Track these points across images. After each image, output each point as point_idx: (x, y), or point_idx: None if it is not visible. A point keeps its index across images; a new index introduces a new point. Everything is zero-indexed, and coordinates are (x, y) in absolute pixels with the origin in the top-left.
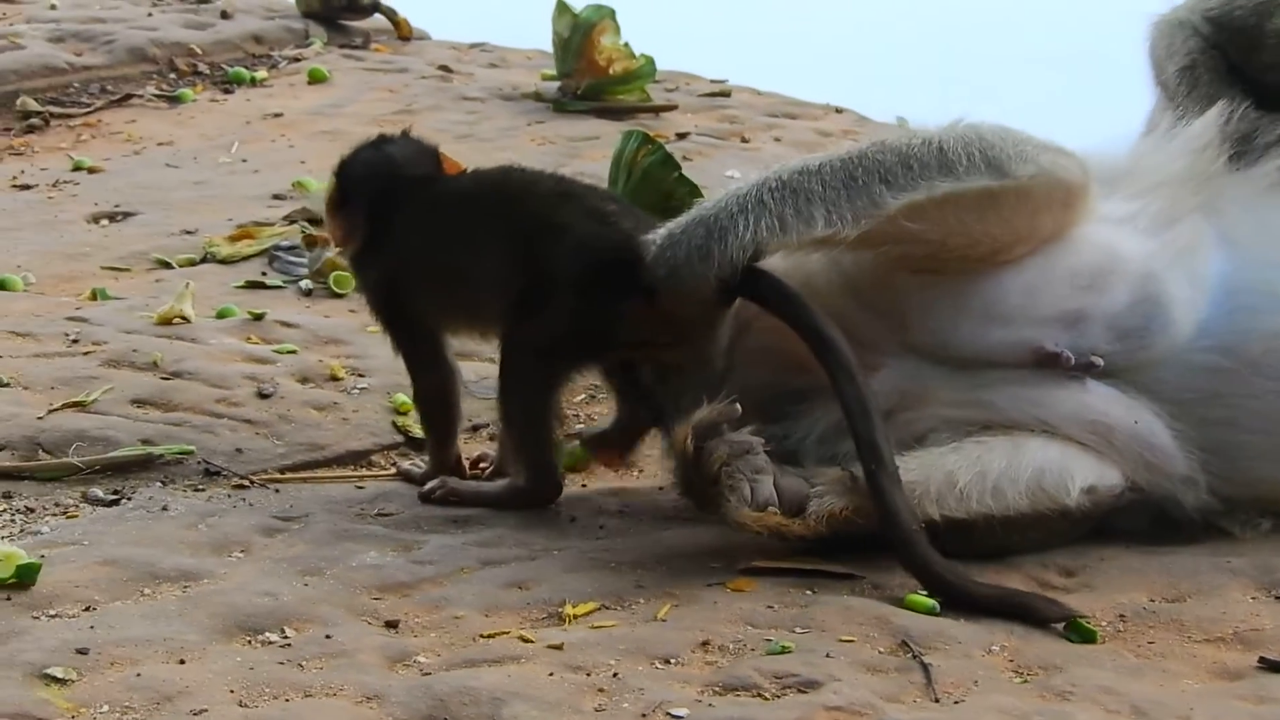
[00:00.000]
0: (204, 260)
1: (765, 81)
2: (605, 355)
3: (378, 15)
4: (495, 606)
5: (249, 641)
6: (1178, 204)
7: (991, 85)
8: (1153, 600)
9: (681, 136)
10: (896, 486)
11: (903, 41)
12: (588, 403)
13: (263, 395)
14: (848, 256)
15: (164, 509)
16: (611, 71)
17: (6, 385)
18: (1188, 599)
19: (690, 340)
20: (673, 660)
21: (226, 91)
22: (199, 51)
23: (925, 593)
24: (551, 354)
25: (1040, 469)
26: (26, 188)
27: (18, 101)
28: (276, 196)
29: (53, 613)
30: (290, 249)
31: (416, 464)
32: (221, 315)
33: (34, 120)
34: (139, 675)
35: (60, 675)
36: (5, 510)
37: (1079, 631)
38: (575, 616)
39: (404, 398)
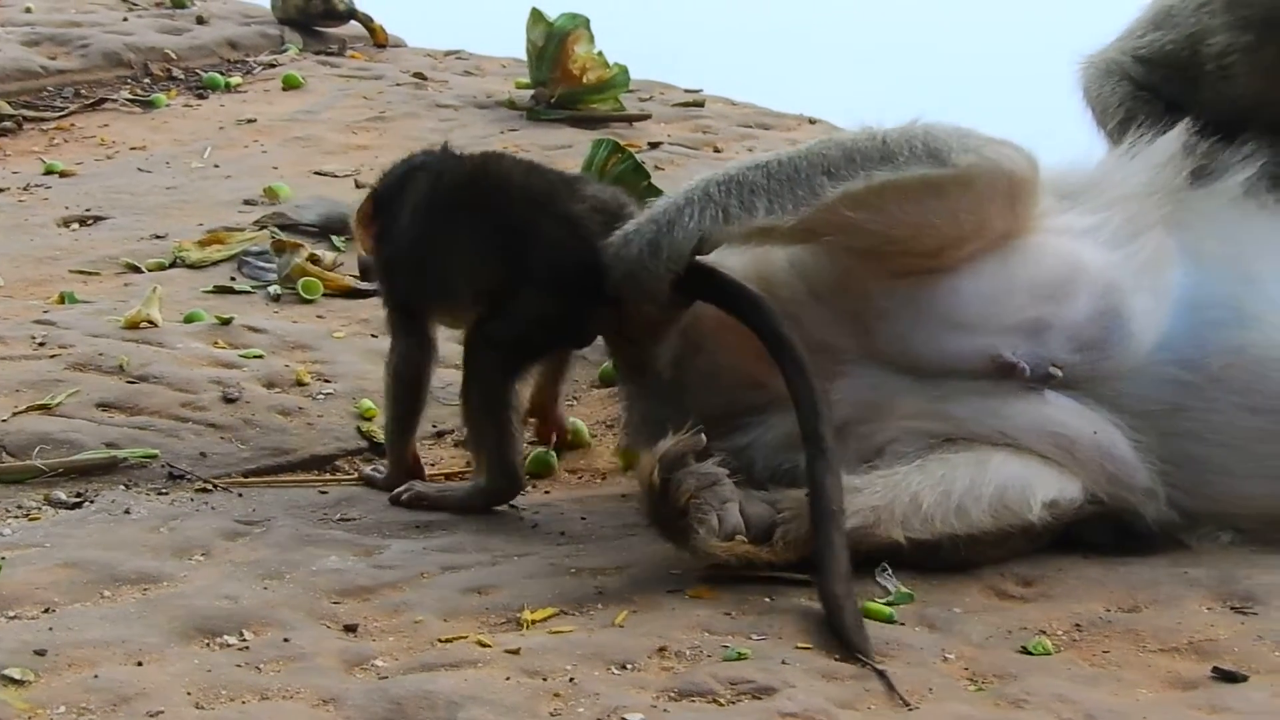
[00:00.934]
0: (173, 265)
1: (740, 92)
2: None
3: (354, 22)
4: (454, 611)
5: (208, 644)
6: (1141, 217)
7: (969, 95)
8: (1109, 610)
9: (654, 146)
10: (833, 476)
11: (878, 53)
12: None
13: (228, 400)
14: (810, 260)
15: (126, 512)
16: (585, 80)
17: None
18: (1144, 609)
19: (653, 342)
20: (629, 666)
21: (200, 97)
22: (174, 57)
23: (882, 601)
24: (514, 350)
25: (1003, 486)
26: None
27: None
28: (248, 202)
29: (12, 614)
30: (259, 254)
31: (378, 469)
32: (189, 320)
33: (6, 123)
34: (97, 677)
35: (18, 676)
36: None
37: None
38: (533, 622)
39: (369, 403)
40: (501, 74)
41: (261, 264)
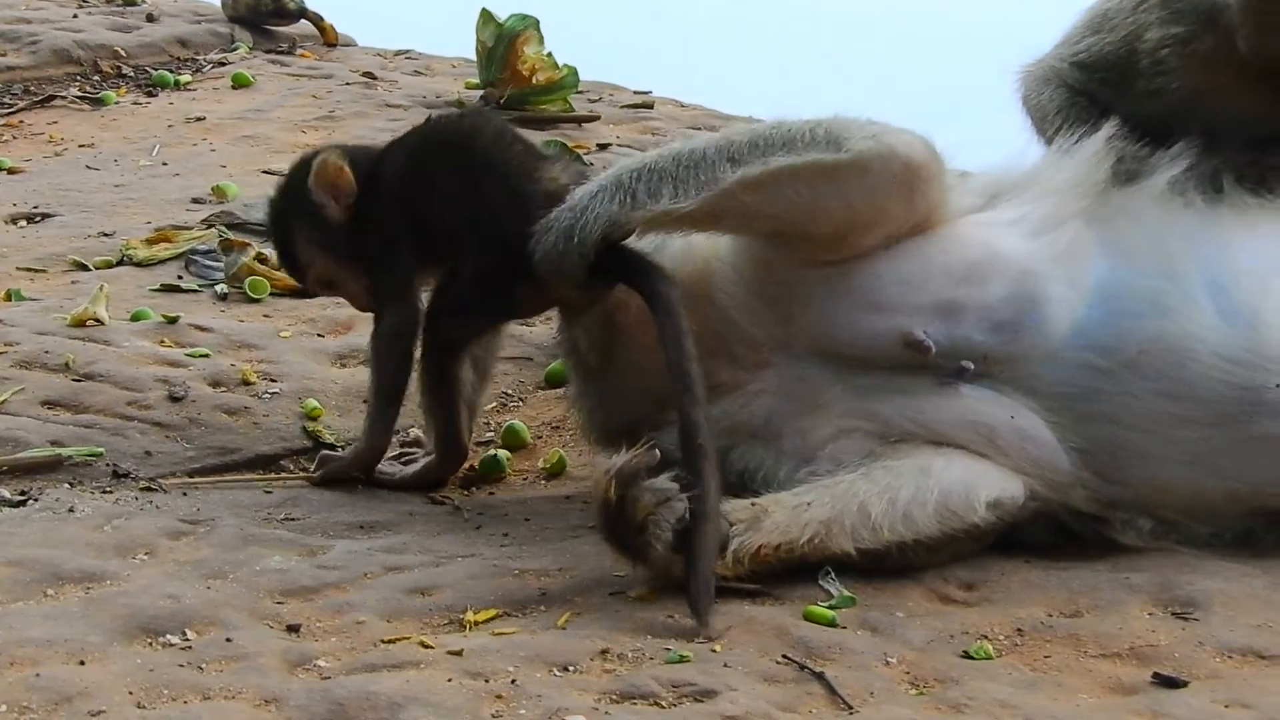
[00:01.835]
0: (121, 263)
1: (689, 94)
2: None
3: (304, 21)
4: (397, 612)
5: (150, 643)
6: (1061, 209)
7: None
8: (1051, 615)
9: (603, 147)
10: (699, 408)
11: (829, 55)
12: (499, 410)
13: (174, 399)
14: (742, 252)
15: (71, 510)
16: (535, 81)
17: None
18: (1085, 614)
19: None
20: (571, 668)
21: (150, 95)
22: (124, 54)
23: (824, 604)
24: (457, 317)
25: (947, 490)
26: None
27: None
28: (196, 200)
29: None
30: (207, 253)
31: (338, 450)
32: (136, 318)
33: None
34: (38, 676)
35: None
36: None
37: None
38: (476, 623)
39: (315, 403)
40: (451, 74)
41: (209, 263)
